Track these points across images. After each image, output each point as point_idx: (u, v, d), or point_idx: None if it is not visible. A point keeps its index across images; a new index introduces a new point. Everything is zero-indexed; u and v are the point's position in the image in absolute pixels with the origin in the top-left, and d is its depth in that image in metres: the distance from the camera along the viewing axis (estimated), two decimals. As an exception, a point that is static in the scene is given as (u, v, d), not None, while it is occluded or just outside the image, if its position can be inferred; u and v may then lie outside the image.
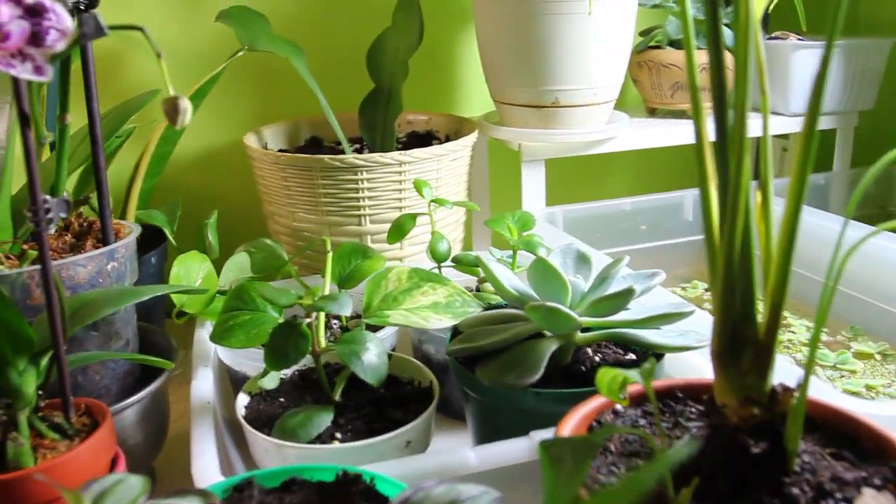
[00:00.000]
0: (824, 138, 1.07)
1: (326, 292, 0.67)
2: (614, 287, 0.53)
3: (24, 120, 0.40)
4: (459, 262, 0.69)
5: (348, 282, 0.71)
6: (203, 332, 0.68)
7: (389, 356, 0.53)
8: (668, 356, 0.54)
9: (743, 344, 0.38)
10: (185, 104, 0.38)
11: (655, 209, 0.96)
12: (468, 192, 0.93)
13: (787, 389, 0.39)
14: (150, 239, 0.83)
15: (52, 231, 0.59)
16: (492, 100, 0.96)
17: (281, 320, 0.58)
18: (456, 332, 0.58)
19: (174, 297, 0.69)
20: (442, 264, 0.72)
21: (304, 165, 0.80)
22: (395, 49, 0.93)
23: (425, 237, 0.82)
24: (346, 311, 0.51)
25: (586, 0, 0.82)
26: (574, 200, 0.95)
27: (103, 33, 0.37)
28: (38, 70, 0.37)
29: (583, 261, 0.58)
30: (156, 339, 0.70)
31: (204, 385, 0.59)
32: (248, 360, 0.64)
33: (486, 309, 0.59)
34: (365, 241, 0.84)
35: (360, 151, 0.98)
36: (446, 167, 0.85)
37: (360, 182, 0.80)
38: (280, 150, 0.97)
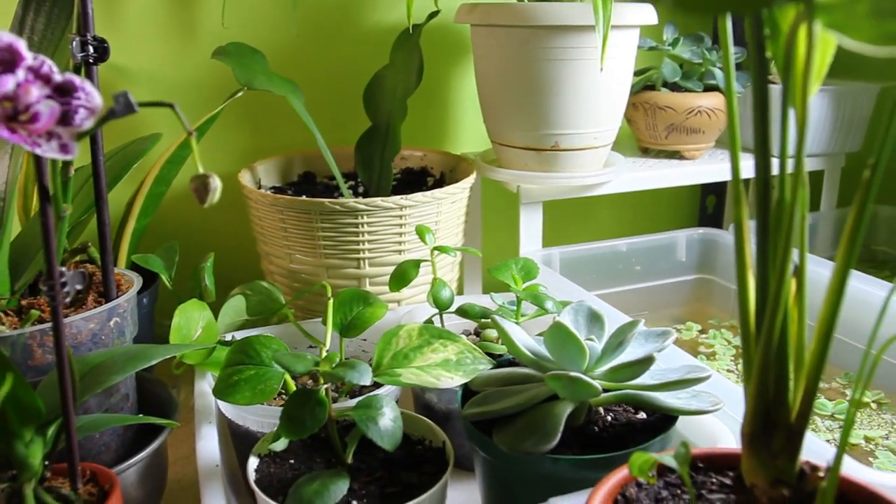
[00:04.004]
0: (812, 179, 1.09)
1: (328, 342, 0.66)
2: (631, 351, 0.53)
3: (45, 195, 0.39)
4: (466, 314, 0.69)
5: (350, 330, 0.70)
6: (204, 385, 0.67)
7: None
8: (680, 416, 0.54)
9: (775, 427, 0.38)
10: (216, 183, 0.37)
11: (649, 249, 0.97)
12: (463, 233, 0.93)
13: (814, 469, 0.39)
14: (143, 279, 0.81)
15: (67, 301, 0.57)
16: (489, 140, 0.95)
17: (286, 376, 0.57)
18: (466, 390, 0.58)
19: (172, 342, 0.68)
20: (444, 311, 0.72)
21: (302, 208, 0.80)
22: (393, 88, 0.92)
23: (423, 279, 0.81)
24: (367, 381, 0.50)
25: (590, 46, 0.82)
26: (567, 240, 0.96)
27: (133, 110, 0.36)
28: (63, 148, 0.36)
29: (595, 319, 0.58)
30: (155, 390, 0.69)
31: (209, 445, 0.58)
32: (252, 416, 0.62)
33: (496, 366, 0.59)
34: (364, 284, 0.83)
35: (354, 188, 0.97)
36: (445, 210, 0.84)
37: (360, 225, 0.80)
38: (273, 188, 0.96)
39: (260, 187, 0.95)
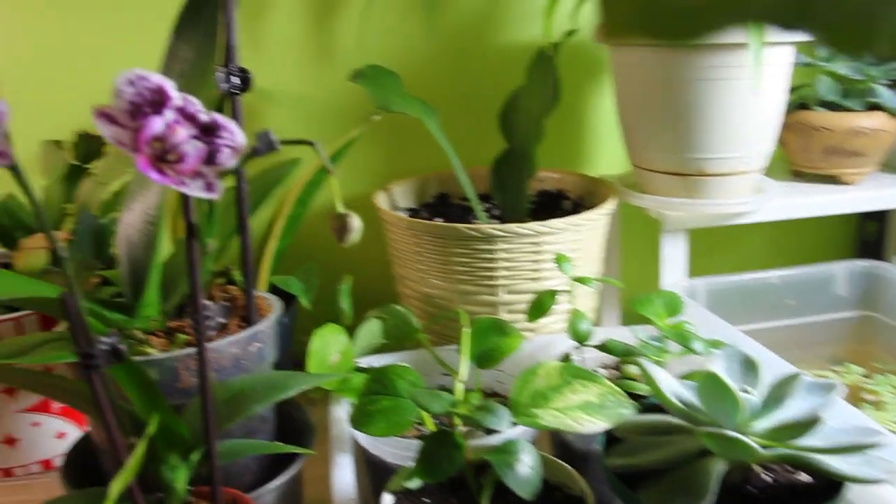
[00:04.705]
0: None
1: (463, 372, 0.65)
2: (792, 405, 0.48)
3: (191, 231, 0.39)
4: (608, 350, 0.66)
5: (486, 361, 0.69)
6: (340, 411, 0.67)
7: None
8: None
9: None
10: (356, 223, 0.36)
11: (804, 282, 0.90)
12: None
13: None
14: (282, 297, 0.83)
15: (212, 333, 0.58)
16: (630, 163, 0.92)
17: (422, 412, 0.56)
18: (609, 436, 0.55)
19: (310, 369, 0.68)
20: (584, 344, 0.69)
21: (437, 233, 0.79)
22: (528, 109, 0.90)
23: (560, 306, 0.78)
24: (504, 427, 0.48)
25: (739, 65, 0.77)
26: (712, 270, 0.90)
27: (275, 149, 0.35)
28: (209, 187, 0.36)
29: (749, 367, 0.53)
30: (292, 412, 0.70)
31: (345, 476, 0.57)
32: (387, 447, 0.62)
33: (640, 410, 0.55)
34: (498, 311, 0.81)
35: (489, 211, 0.95)
36: (584, 236, 0.81)
37: (495, 252, 0.78)
38: (409, 209, 0.96)
39: (396, 209, 0.95)
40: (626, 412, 0.54)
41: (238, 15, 0.92)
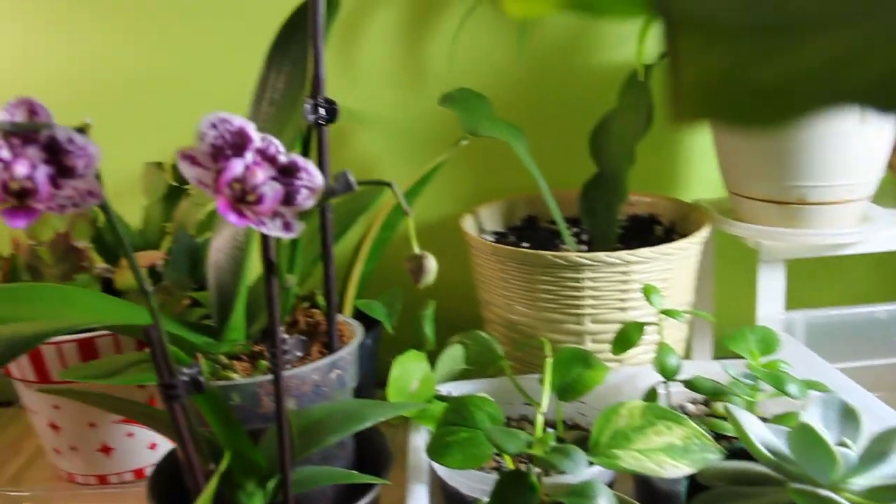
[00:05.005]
0: None
1: (545, 403, 0.64)
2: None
3: (270, 268, 0.40)
4: (695, 388, 0.63)
5: (568, 393, 0.68)
6: (418, 439, 0.66)
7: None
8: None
9: None
10: (431, 264, 0.36)
11: (915, 318, 0.84)
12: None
13: None
14: (367, 318, 0.83)
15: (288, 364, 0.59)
16: (725, 189, 0.88)
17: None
18: (693, 481, 0.53)
19: (391, 397, 0.68)
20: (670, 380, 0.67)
21: (523, 259, 0.78)
22: (620, 133, 0.88)
23: (648, 338, 0.76)
24: (580, 471, 0.47)
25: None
26: (812, 302, 0.86)
27: (352, 190, 0.35)
28: (287, 227, 0.36)
29: (849, 416, 0.50)
30: (372, 438, 0.70)
31: (420, 507, 0.57)
32: (464, 479, 0.61)
33: (727, 455, 0.53)
34: (584, 340, 0.79)
35: (578, 236, 0.94)
36: (675, 266, 0.79)
37: (581, 280, 0.76)
38: (495, 233, 0.96)
39: (482, 232, 0.94)
40: (712, 457, 0.52)
41: (330, 40, 0.94)
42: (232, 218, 0.34)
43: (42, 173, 0.32)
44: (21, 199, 0.32)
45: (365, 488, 0.62)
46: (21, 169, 0.32)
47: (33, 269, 0.72)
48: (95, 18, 0.95)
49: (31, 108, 0.32)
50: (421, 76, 0.98)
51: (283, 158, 0.35)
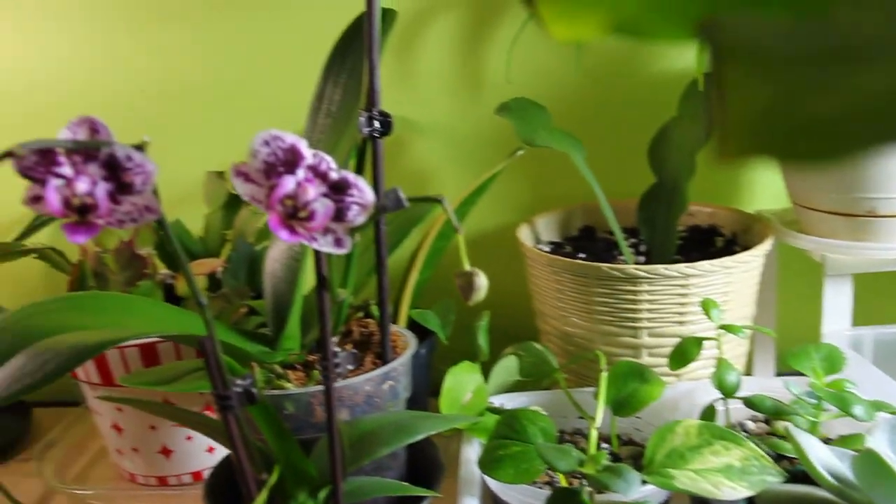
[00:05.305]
0: None
1: (599, 418, 0.63)
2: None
3: (322, 283, 0.40)
4: (754, 407, 0.61)
5: (623, 408, 0.67)
6: (470, 452, 0.66)
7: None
8: None
9: None
10: (481, 281, 0.36)
11: None
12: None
13: None
14: (421, 327, 0.83)
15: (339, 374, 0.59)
16: (789, 200, 0.86)
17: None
18: (751, 502, 0.51)
19: (443, 408, 0.68)
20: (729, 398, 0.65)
21: (578, 271, 0.77)
22: (680, 142, 0.87)
23: (707, 352, 0.74)
24: (633, 492, 0.46)
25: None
26: (881, 319, 0.83)
27: (402, 206, 0.35)
28: (338, 243, 0.37)
29: (918, 441, 0.48)
30: (424, 449, 0.70)
31: (471, 523, 0.56)
32: (516, 493, 0.60)
33: (787, 478, 0.51)
34: (641, 354, 0.78)
35: (635, 246, 0.92)
36: (736, 279, 0.77)
37: (638, 293, 0.75)
38: (552, 243, 0.95)
39: (539, 242, 0.93)
40: (772, 479, 0.51)
41: (387, 48, 0.95)
42: (283, 234, 0.34)
43: (102, 190, 0.33)
44: (82, 214, 0.33)
45: (416, 500, 0.62)
46: (82, 186, 0.32)
47: (99, 275, 0.74)
48: (163, 30, 0.97)
49: (93, 127, 0.33)
50: (478, 85, 0.98)
51: (334, 175, 0.36)
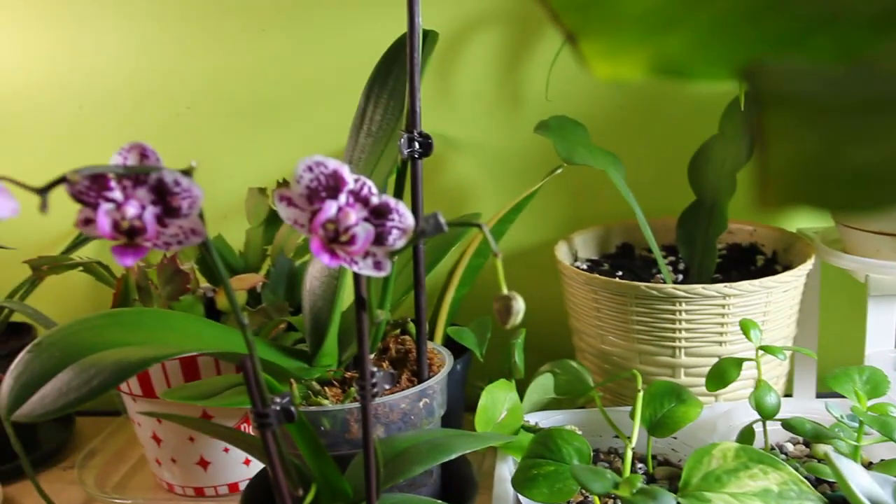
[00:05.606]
0: None
1: (635, 438, 0.63)
2: None
3: (361, 304, 0.40)
4: (793, 430, 0.61)
5: (659, 428, 0.66)
6: (504, 470, 0.66)
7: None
8: None
9: None
10: (519, 306, 0.36)
11: None
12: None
13: None
14: (457, 344, 0.83)
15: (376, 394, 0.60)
16: (832, 219, 0.85)
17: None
18: (790, 531, 0.50)
19: (478, 426, 0.68)
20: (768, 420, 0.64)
21: (616, 290, 0.76)
22: (721, 160, 0.86)
23: (746, 372, 0.73)
24: (669, 517, 0.46)
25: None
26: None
27: (442, 231, 0.36)
28: (378, 266, 0.37)
29: (964, 471, 0.47)
30: (458, 466, 0.70)
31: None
32: (550, 513, 0.60)
33: (827, 505, 0.51)
34: (678, 373, 0.77)
35: (674, 265, 0.92)
36: (776, 299, 0.76)
37: (677, 313, 0.74)
38: (589, 260, 0.94)
39: (576, 259, 0.93)
40: (811, 506, 0.50)
41: (427, 67, 0.95)
42: (325, 258, 0.35)
43: (150, 213, 0.34)
44: (130, 237, 0.34)
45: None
46: (131, 210, 0.33)
47: (143, 289, 0.76)
48: (208, 51, 0.99)
49: (143, 152, 0.34)
50: (517, 104, 0.98)
51: (375, 200, 0.36)
